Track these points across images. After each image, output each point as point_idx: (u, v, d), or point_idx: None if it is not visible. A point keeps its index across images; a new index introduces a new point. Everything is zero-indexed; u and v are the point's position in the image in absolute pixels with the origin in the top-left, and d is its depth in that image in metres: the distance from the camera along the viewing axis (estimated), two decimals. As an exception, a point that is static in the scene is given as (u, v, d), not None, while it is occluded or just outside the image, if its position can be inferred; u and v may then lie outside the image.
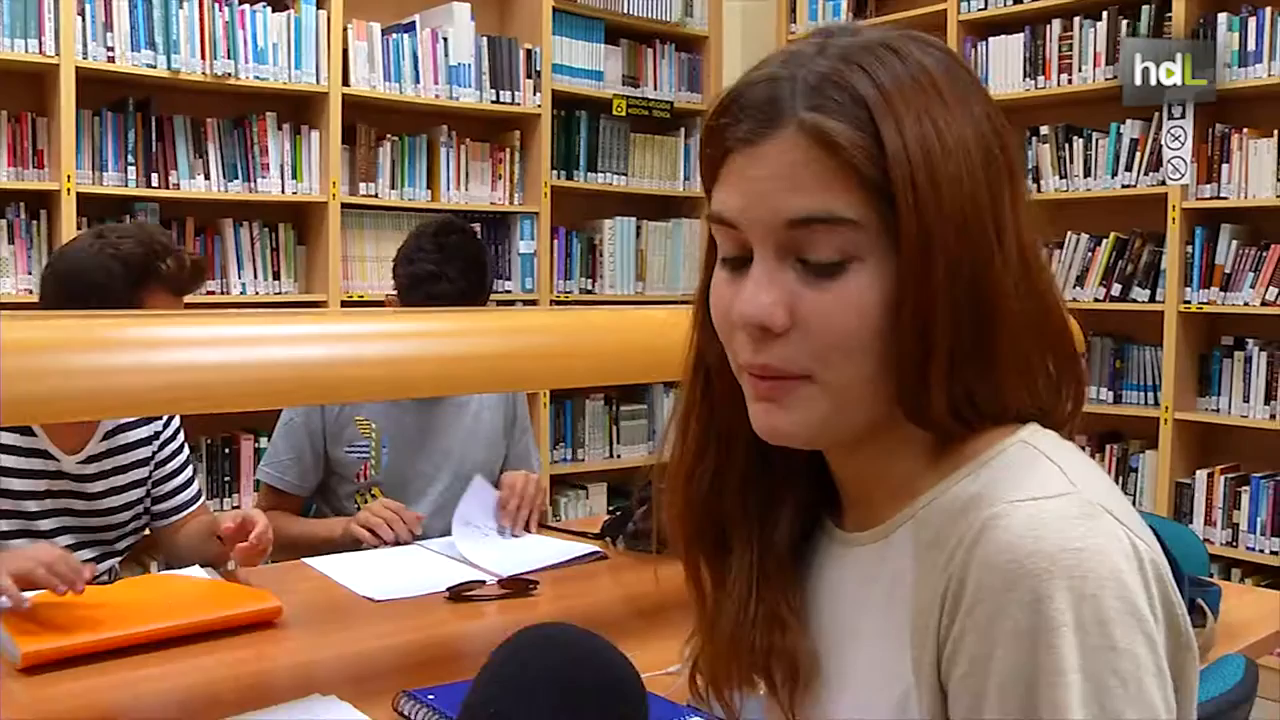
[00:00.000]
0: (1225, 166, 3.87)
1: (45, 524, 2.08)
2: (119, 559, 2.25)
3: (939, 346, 0.74)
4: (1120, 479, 4.15)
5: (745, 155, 0.76)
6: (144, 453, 2.23)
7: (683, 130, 4.91)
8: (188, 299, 2.15)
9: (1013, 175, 0.79)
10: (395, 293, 2.54)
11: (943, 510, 0.77)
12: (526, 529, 2.41)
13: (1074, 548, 0.69)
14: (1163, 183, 3.95)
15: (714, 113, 0.79)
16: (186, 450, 2.32)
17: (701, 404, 0.88)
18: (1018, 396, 0.79)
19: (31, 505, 2.07)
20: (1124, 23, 4.04)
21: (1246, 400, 3.92)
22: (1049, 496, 0.72)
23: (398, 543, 2.30)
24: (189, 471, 2.31)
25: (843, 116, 0.74)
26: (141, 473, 2.22)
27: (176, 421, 2.30)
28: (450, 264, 2.43)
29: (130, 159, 3.58)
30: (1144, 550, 0.72)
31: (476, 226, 4.27)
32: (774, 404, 0.78)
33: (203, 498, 2.34)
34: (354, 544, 2.32)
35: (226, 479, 3.82)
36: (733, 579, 0.89)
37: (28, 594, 1.68)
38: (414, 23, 4.11)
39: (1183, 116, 3.86)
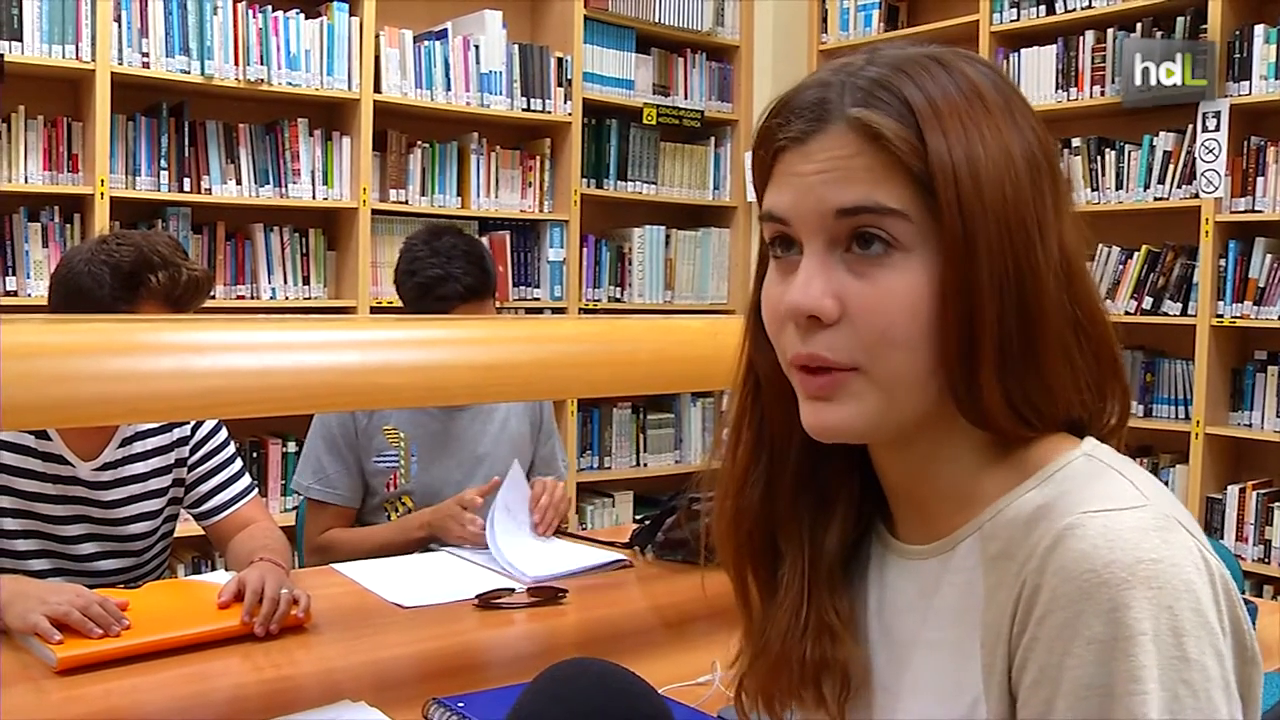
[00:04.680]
0: (1260, 180, 3.83)
1: (67, 530, 2.04)
2: (153, 576, 2.20)
3: (985, 341, 0.75)
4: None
5: (795, 153, 0.79)
6: (163, 461, 2.15)
7: (713, 139, 4.90)
8: (216, 305, 2.10)
9: (1057, 186, 0.80)
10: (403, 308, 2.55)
11: (1010, 522, 0.78)
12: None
13: (1151, 559, 0.69)
14: (1195, 195, 3.91)
15: (766, 115, 0.82)
16: (230, 449, 2.25)
17: (752, 412, 0.89)
18: (1068, 398, 0.79)
19: (50, 510, 2.02)
20: (1158, 34, 4.02)
21: (1279, 415, 3.88)
22: (1122, 508, 0.72)
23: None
24: (232, 469, 2.24)
25: (889, 113, 0.76)
26: (160, 482, 2.15)
27: (210, 423, 2.22)
28: (452, 263, 2.44)
29: (163, 163, 3.60)
30: (1214, 565, 0.72)
31: (505, 234, 4.30)
32: (824, 401, 0.79)
33: (252, 494, 2.26)
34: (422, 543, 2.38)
35: (254, 483, 3.82)
36: (784, 588, 0.89)
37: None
38: (446, 30, 4.13)
39: (1217, 129, 3.82)
